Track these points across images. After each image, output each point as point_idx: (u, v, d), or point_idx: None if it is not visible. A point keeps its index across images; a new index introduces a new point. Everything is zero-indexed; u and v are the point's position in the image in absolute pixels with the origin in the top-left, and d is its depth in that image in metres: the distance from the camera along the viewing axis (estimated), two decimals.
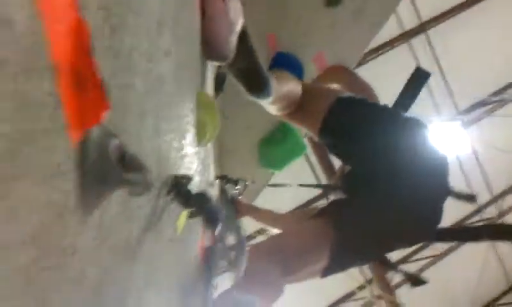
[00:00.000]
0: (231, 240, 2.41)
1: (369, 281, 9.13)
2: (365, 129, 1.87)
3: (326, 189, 2.49)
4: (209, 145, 2.05)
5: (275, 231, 2.37)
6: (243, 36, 1.73)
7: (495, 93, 8.87)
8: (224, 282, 1.80)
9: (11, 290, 0.35)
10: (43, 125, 0.40)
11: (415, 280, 1.92)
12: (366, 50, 7.05)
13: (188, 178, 1.04)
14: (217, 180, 2.62)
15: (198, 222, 1.50)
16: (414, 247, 9.31)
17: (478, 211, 9.62)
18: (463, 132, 8.78)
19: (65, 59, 0.43)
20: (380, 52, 7.72)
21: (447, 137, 8.64)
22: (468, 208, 9.42)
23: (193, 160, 1.44)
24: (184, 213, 1.18)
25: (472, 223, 9.67)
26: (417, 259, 9.52)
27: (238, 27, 1.69)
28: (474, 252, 9.32)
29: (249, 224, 3.00)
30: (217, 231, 1.16)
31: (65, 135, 0.44)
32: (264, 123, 3.39)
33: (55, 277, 0.42)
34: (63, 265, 0.44)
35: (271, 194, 4.14)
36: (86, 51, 0.48)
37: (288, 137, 3.43)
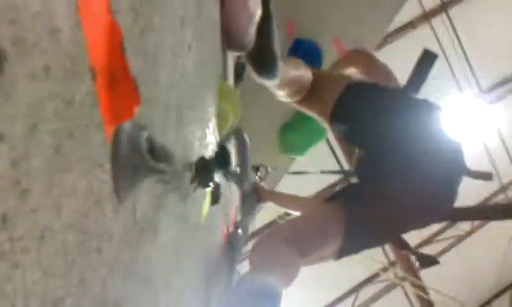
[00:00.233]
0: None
1: (393, 263, 9.13)
2: (376, 114, 1.88)
3: (347, 175, 2.50)
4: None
5: (298, 215, 2.40)
6: (266, 18, 1.76)
7: None
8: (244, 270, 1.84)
9: (59, 270, 0.40)
10: (84, 122, 0.45)
11: (427, 261, 1.93)
12: (386, 33, 7.02)
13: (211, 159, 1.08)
14: (238, 168, 2.66)
15: (219, 209, 1.55)
16: (438, 228, 9.30)
17: (503, 189, 9.54)
18: (486, 110, 8.69)
19: (101, 60, 0.48)
20: (401, 34, 7.65)
21: (471, 117, 8.56)
22: (493, 186, 9.34)
23: (216, 148, 1.49)
24: (208, 200, 1.23)
25: (497, 201, 9.61)
26: (441, 239, 9.49)
27: (257, 18, 1.73)
28: (498, 232, 9.24)
29: (271, 210, 3.05)
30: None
31: (102, 130, 0.49)
32: (283, 110, 3.42)
33: (93, 259, 0.47)
34: (100, 248, 0.49)
35: (293, 179, 4.18)
36: (119, 51, 0.52)
37: (308, 122, 3.46)
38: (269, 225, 7.26)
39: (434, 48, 7.75)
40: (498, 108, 8.81)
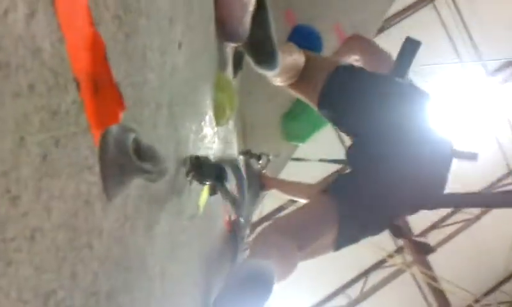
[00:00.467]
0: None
1: (400, 249, 9.16)
2: (363, 100, 1.89)
3: (345, 164, 2.52)
4: (231, 122, 2.13)
5: (302, 202, 2.43)
6: (262, 10, 1.77)
7: None
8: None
9: (50, 265, 0.44)
10: (70, 129, 0.49)
11: (423, 248, 1.96)
12: (390, 15, 6.99)
13: (205, 157, 1.12)
14: (241, 156, 2.70)
15: (220, 198, 1.59)
16: (446, 212, 9.31)
17: (510, 173, 9.51)
18: (492, 92, 8.65)
19: (84, 70, 0.51)
20: (404, 15, 7.61)
21: (476, 98, 8.53)
22: (501, 170, 9.31)
23: (213, 140, 1.53)
24: (205, 191, 1.27)
25: (504, 185, 9.57)
26: (450, 224, 9.49)
27: (251, 8, 1.74)
28: (507, 216, 9.24)
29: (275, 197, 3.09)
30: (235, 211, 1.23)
31: (89, 135, 0.53)
32: (286, 97, 3.44)
33: (84, 254, 0.51)
34: (91, 243, 0.53)
35: (298, 165, 4.20)
36: (102, 60, 0.56)
37: (310, 109, 3.47)
38: (277, 211, 7.32)
39: (438, 29, 7.74)
40: (504, 89, 8.76)
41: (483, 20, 7.89)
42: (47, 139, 0.44)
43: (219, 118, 1.56)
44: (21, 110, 0.39)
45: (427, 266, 8.74)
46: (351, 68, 2.04)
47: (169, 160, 0.91)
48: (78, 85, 0.50)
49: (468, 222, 9.36)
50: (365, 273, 9.29)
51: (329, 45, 3.43)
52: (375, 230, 1.85)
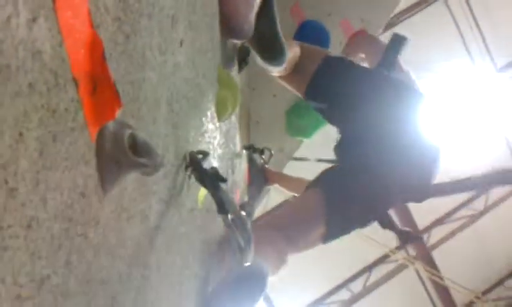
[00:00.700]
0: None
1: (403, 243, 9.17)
2: (351, 92, 1.91)
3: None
4: (234, 117, 2.16)
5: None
6: (268, 5, 1.78)
7: None
8: None
9: (46, 253, 0.47)
10: (68, 125, 0.52)
11: (408, 237, 1.98)
12: (400, 9, 6.96)
13: (205, 153, 1.15)
14: (244, 150, 2.73)
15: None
16: (451, 207, 9.31)
17: None
18: (502, 89, 8.62)
19: (83, 70, 0.55)
20: (415, 10, 7.58)
21: (486, 94, 8.50)
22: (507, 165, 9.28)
23: (215, 135, 1.56)
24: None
25: None
26: (455, 219, 9.49)
27: (256, 4, 1.75)
28: (511, 212, 9.23)
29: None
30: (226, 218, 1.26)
31: (86, 132, 0.56)
32: (291, 92, 3.46)
33: (81, 243, 0.55)
34: (87, 233, 0.56)
35: (301, 162, 4.22)
36: (100, 60, 0.59)
37: None
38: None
39: (449, 26, 7.71)
40: None
41: (494, 17, 7.85)
42: (45, 135, 0.47)
43: (221, 114, 1.59)
44: (21, 108, 0.42)
45: (430, 261, 8.75)
46: (340, 59, 2.05)
47: (168, 154, 0.95)
48: (77, 84, 0.53)
49: (472, 218, 9.36)
50: (368, 268, 9.31)
51: (337, 40, 3.45)
52: (363, 222, 1.87)
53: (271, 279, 1.45)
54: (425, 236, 9.15)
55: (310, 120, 3.46)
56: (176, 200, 1.03)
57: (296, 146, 3.87)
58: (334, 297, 9.28)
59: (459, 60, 8.03)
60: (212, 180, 1.09)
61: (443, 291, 9.16)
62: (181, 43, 1.05)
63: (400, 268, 9.18)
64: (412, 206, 8.02)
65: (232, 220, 1.11)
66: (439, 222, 9.35)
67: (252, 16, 1.74)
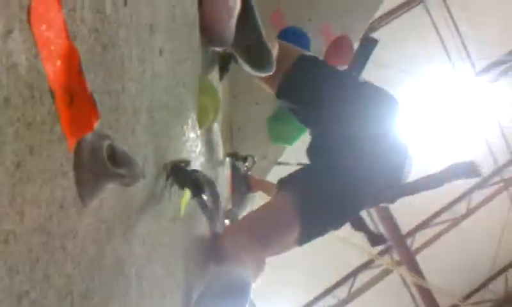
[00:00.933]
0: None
1: (388, 248, 9.23)
2: (323, 92, 1.91)
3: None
4: (216, 125, 2.16)
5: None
6: (248, 12, 1.78)
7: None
8: None
9: (22, 267, 0.47)
10: (45, 138, 0.52)
11: (377, 240, 1.99)
12: (381, 14, 7.04)
13: (186, 162, 1.15)
14: (227, 158, 2.74)
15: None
16: (433, 211, 9.39)
17: (498, 171, 9.61)
18: (481, 91, 8.74)
19: (59, 81, 0.54)
20: (396, 15, 7.67)
21: (465, 97, 8.61)
22: (488, 168, 9.40)
23: (196, 143, 1.55)
24: (187, 194, 1.29)
25: (492, 183, 9.68)
26: (437, 223, 9.58)
27: (236, 12, 1.75)
28: (493, 215, 9.35)
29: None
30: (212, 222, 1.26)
31: (64, 143, 0.55)
32: (272, 99, 3.47)
33: (59, 256, 0.54)
34: (66, 246, 0.56)
35: (284, 169, 4.23)
36: (76, 72, 0.58)
37: None
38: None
39: (429, 28, 7.81)
40: (493, 89, 8.85)
41: (473, 21, 7.97)
42: (22, 148, 0.47)
43: (202, 122, 1.59)
44: None
45: (414, 265, 8.81)
46: (313, 60, 2.05)
47: (148, 164, 0.94)
48: (53, 96, 0.52)
49: (455, 222, 9.46)
50: (353, 273, 9.35)
51: (317, 46, 3.47)
52: (337, 224, 1.88)
53: (254, 287, 1.45)
54: (408, 241, 9.21)
55: (292, 127, 3.47)
56: (157, 210, 1.03)
57: (279, 153, 3.88)
58: (320, 304, 9.30)
59: (439, 63, 8.14)
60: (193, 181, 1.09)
61: (428, 296, 9.24)
62: (160, 52, 1.05)
63: (385, 273, 9.24)
64: (395, 211, 8.09)
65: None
66: (422, 226, 9.43)
67: (232, 24, 1.74)
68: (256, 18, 1.80)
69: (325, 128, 1.95)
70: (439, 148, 7.63)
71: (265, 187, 2.93)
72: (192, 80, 1.50)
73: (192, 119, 1.47)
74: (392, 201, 1.94)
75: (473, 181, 9.24)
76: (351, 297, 9.38)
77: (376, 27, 7.20)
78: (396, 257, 9.29)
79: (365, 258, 9.10)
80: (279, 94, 2.01)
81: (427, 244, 9.37)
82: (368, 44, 2.12)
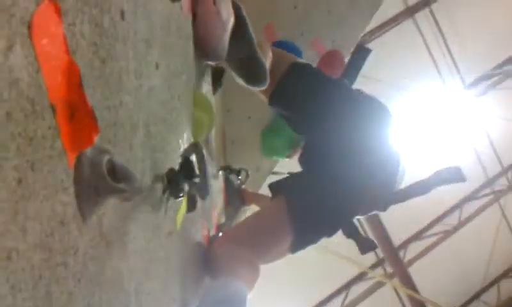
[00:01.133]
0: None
1: (381, 261, 9.23)
2: (314, 101, 1.92)
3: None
4: (209, 138, 2.16)
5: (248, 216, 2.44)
6: (242, 27, 1.79)
7: (500, 65, 8.87)
8: None
9: (25, 284, 0.46)
10: (46, 153, 0.51)
11: (367, 246, 1.99)
12: (370, 29, 7.11)
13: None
14: (220, 171, 2.73)
15: (199, 214, 1.62)
16: (425, 224, 9.42)
17: (489, 183, 9.68)
18: (470, 105, 8.82)
19: (60, 97, 0.54)
20: (385, 29, 7.75)
21: (455, 110, 8.69)
22: (479, 180, 9.46)
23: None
24: (183, 207, 1.29)
25: (483, 195, 9.74)
26: (429, 235, 9.61)
27: (230, 26, 1.77)
28: (485, 226, 9.40)
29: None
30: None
31: (64, 159, 0.55)
32: (264, 113, 3.48)
33: (61, 272, 0.54)
34: (67, 262, 0.55)
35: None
36: (76, 86, 0.58)
37: None
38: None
39: (418, 43, 7.89)
40: (482, 102, 8.94)
41: (462, 35, 8.07)
42: (23, 164, 0.46)
43: (197, 135, 1.59)
44: None
45: (407, 277, 8.81)
46: (306, 67, 2.06)
47: (145, 178, 0.94)
48: (54, 110, 0.52)
49: (447, 233, 9.50)
50: (346, 286, 9.33)
51: (309, 59, 3.49)
52: (329, 231, 1.88)
53: (249, 298, 1.44)
54: (401, 253, 9.22)
55: (285, 140, 3.48)
56: (155, 224, 1.02)
57: (272, 165, 3.88)
58: None
59: (429, 77, 8.22)
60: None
61: None
62: (157, 66, 1.05)
63: (378, 285, 9.23)
64: (387, 223, 8.10)
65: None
66: (414, 238, 9.45)
67: (226, 38, 1.75)
68: (249, 32, 1.81)
69: (318, 135, 1.96)
70: (430, 160, 7.67)
71: (258, 199, 2.93)
72: (187, 93, 1.50)
73: (187, 133, 1.47)
74: (384, 209, 1.94)
75: (464, 193, 9.32)
76: None
77: (367, 40, 7.26)
78: (389, 269, 9.29)
79: (357, 271, 9.09)
80: (271, 101, 2.02)
81: (419, 256, 9.39)
82: (361, 53, 2.14)
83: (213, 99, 2.18)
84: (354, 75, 2.08)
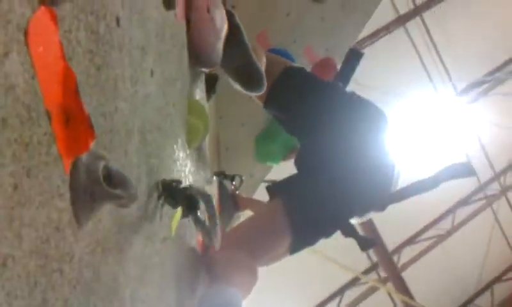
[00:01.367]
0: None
1: (375, 265, 9.24)
2: (309, 104, 1.93)
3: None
4: (204, 145, 2.15)
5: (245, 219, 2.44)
6: (236, 34, 1.80)
7: (491, 72, 8.93)
8: None
9: (21, 291, 0.46)
10: (42, 159, 0.51)
11: (367, 244, 2.00)
12: (362, 37, 7.15)
13: (177, 181, 1.15)
14: (214, 177, 2.73)
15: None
16: (419, 228, 9.44)
17: (481, 188, 9.71)
18: (462, 111, 8.87)
19: (56, 103, 0.54)
20: (376, 38, 7.78)
21: (447, 117, 8.73)
22: (471, 185, 9.49)
23: (186, 163, 1.55)
24: (178, 213, 1.29)
25: (476, 200, 9.78)
26: (423, 240, 9.62)
27: (223, 33, 1.77)
28: (479, 230, 9.43)
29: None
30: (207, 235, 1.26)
31: (60, 165, 0.55)
32: (258, 119, 3.49)
33: (57, 279, 0.53)
34: (63, 268, 0.55)
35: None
36: (73, 93, 0.58)
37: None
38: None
39: (410, 51, 7.94)
40: (473, 108, 8.99)
41: (453, 43, 8.12)
42: (19, 170, 0.46)
43: (191, 141, 1.59)
44: None
45: (401, 282, 8.82)
46: (299, 71, 2.07)
47: (141, 184, 0.94)
48: (50, 117, 0.52)
49: (441, 238, 9.52)
50: (340, 291, 9.32)
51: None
52: (328, 232, 1.88)
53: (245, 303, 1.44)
54: (395, 258, 9.24)
55: (278, 146, 3.49)
56: (150, 230, 1.02)
57: (266, 171, 3.89)
58: None
59: (421, 84, 8.26)
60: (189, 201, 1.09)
61: None
62: (152, 73, 1.05)
63: (373, 290, 9.23)
64: (380, 228, 8.11)
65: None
66: (408, 243, 9.46)
67: (220, 46, 1.76)
68: (244, 39, 1.82)
69: (313, 137, 1.97)
70: (423, 166, 7.69)
71: (253, 205, 2.92)
72: (182, 100, 1.50)
73: (182, 139, 1.47)
74: (382, 209, 1.95)
75: (458, 197, 9.36)
76: None
77: (359, 48, 7.29)
78: (383, 274, 9.30)
79: (352, 275, 9.09)
80: (266, 104, 2.03)
81: (413, 260, 9.41)
82: (354, 56, 2.15)
83: (207, 106, 2.18)
84: (347, 78, 2.09)
